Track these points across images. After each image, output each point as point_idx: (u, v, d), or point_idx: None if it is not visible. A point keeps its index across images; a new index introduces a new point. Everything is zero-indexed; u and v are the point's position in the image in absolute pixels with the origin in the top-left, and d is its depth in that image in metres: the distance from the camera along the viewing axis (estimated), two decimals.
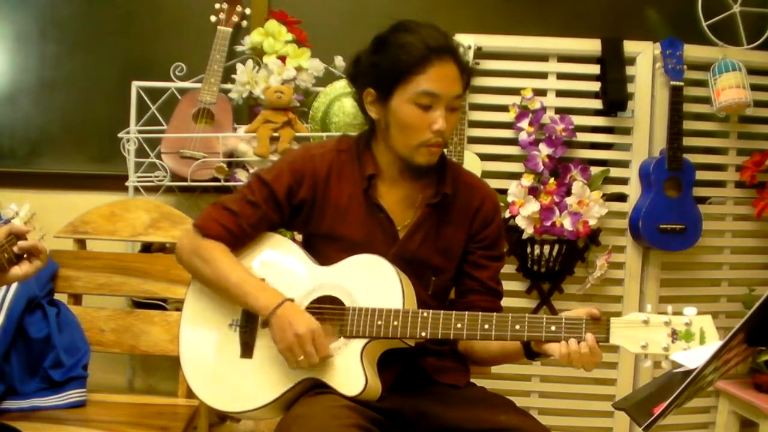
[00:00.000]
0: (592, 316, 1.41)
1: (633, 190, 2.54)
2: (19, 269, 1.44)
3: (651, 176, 2.43)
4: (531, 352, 1.50)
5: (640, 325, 1.38)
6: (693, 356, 1.30)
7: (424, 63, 1.47)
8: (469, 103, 2.48)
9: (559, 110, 2.51)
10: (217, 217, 1.58)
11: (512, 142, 2.50)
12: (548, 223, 2.38)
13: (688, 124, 2.46)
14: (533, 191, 2.40)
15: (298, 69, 2.44)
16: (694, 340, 1.36)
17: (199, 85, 2.46)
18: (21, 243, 1.43)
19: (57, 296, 2.08)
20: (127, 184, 2.45)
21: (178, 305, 2.07)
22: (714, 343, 1.34)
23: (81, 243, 2.16)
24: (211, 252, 1.56)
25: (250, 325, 1.55)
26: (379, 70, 1.52)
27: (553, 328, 1.42)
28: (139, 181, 2.45)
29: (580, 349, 1.39)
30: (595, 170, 2.49)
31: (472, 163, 2.42)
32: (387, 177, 1.61)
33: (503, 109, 2.50)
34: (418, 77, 1.48)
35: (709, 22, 2.57)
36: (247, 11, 2.54)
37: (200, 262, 1.57)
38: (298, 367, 1.46)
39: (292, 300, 1.50)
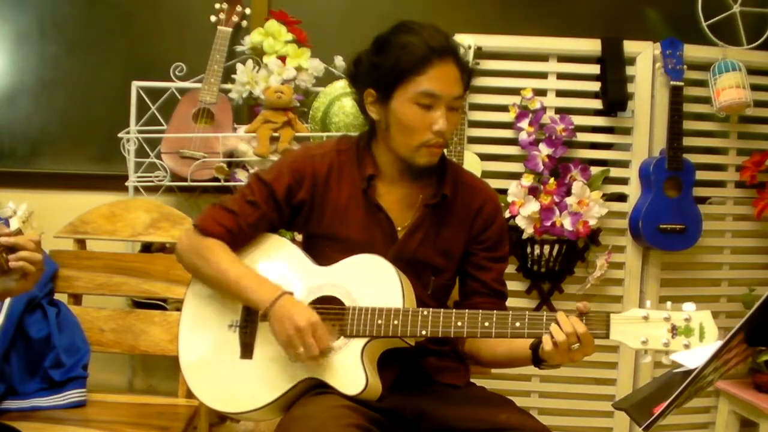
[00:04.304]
0: (579, 311, 1.41)
1: (633, 190, 2.54)
2: (15, 284, 1.36)
3: (651, 176, 2.43)
4: (537, 358, 1.49)
5: (640, 321, 1.39)
6: (693, 356, 1.30)
7: (425, 63, 1.48)
8: (469, 103, 2.48)
9: (559, 110, 2.51)
10: (216, 217, 1.58)
11: (512, 142, 2.50)
12: (548, 223, 2.38)
13: (688, 124, 2.46)
14: (533, 191, 2.40)
15: (298, 69, 2.44)
16: (694, 335, 1.36)
17: (199, 85, 2.46)
18: (19, 254, 1.34)
19: (57, 296, 2.08)
20: (127, 184, 2.45)
21: (178, 305, 2.07)
22: (714, 341, 1.34)
23: (81, 243, 2.16)
24: (210, 250, 1.56)
25: (249, 325, 1.55)
26: (380, 70, 1.52)
27: (553, 324, 1.41)
28: (139, 181, 2.45)
29: (568, 337, 1.38)
30: (595, 170, 2.49)
31: (472, 163, 2.42)
32: (387, 177, 1.61)
33: (503, 109, 2.50)
34: (419, 77, 1.48)
35: (709, 22, 2.57)
36: (247, 11, 2.54)
37: (200, 260, 1.56)
38: (297, 360, 1.46)
39: (291, 293, 1.50)
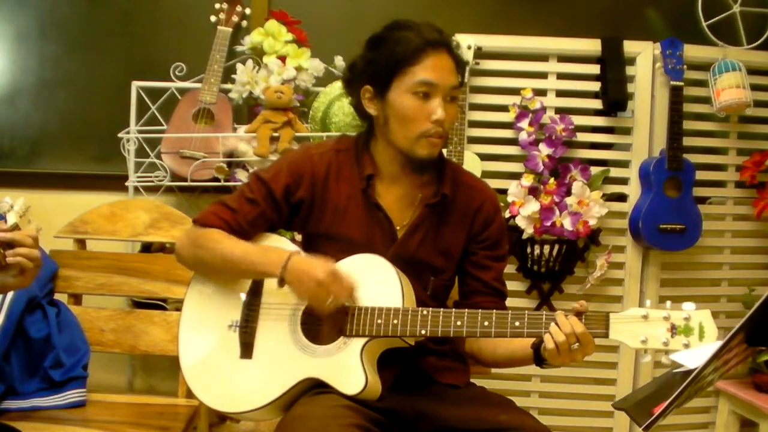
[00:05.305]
0: (576, 311, 1.42)
1: (633, 190, 2.54)
2: (13, 280, 1.35)
3: (651, 176, 2.43)
4: (540, 358, 1.49)
5: (640, 321, 1.39)
6: (693, 356, 1.30)
7: (419, 54, 1.50)
8: (469, 103, 2.48)
9: (559, 110, 2.51)
10: (216, 212, 1.60)
11: (512, 142, 2.50)
12: (548, 223, 2.38)
13: (688, 124, 2.47)
14: (533, 191, 2.40)
15: (298, 69, 2.45)
16: (693, 334, 1.36)
17: (199, 85, 2.46)
18: (17, 251, 1.33)
19: (57, 296, 2.07)
20: (127, 184, 2.45)
21: (178, 305, 2.07)
22: (713, 341, 1.34)
23: (81, 243, 2.16)
24: (210, 238, 1.56)
25: (249, 325, 1.55)
26: (376, 65, 1.54)
27: (552, 325, 1.41)
28: (139, 181, 2.45)
29: (567, 337, 1.38)
30: (595, 170, 2.49)
31: (472, 163, 2.42)
32: (386, 176, 1.62)
33: (503, 109, 2.50)
34: (415, 67, 1.50)
35: (709, 22, 2.57)
36: (247, 11, 2.54)
37: (201, 249, 1.57)
38: (329, 311, 1.46)
39: (298, 252, 1.51)
